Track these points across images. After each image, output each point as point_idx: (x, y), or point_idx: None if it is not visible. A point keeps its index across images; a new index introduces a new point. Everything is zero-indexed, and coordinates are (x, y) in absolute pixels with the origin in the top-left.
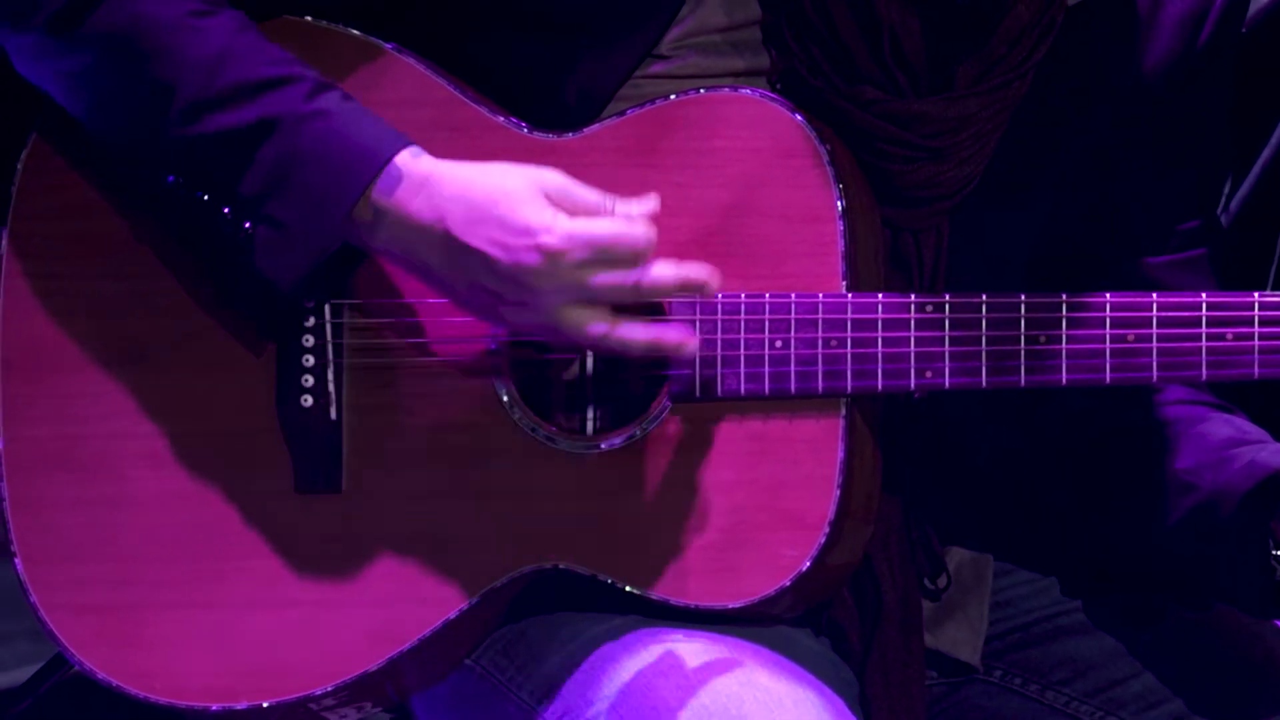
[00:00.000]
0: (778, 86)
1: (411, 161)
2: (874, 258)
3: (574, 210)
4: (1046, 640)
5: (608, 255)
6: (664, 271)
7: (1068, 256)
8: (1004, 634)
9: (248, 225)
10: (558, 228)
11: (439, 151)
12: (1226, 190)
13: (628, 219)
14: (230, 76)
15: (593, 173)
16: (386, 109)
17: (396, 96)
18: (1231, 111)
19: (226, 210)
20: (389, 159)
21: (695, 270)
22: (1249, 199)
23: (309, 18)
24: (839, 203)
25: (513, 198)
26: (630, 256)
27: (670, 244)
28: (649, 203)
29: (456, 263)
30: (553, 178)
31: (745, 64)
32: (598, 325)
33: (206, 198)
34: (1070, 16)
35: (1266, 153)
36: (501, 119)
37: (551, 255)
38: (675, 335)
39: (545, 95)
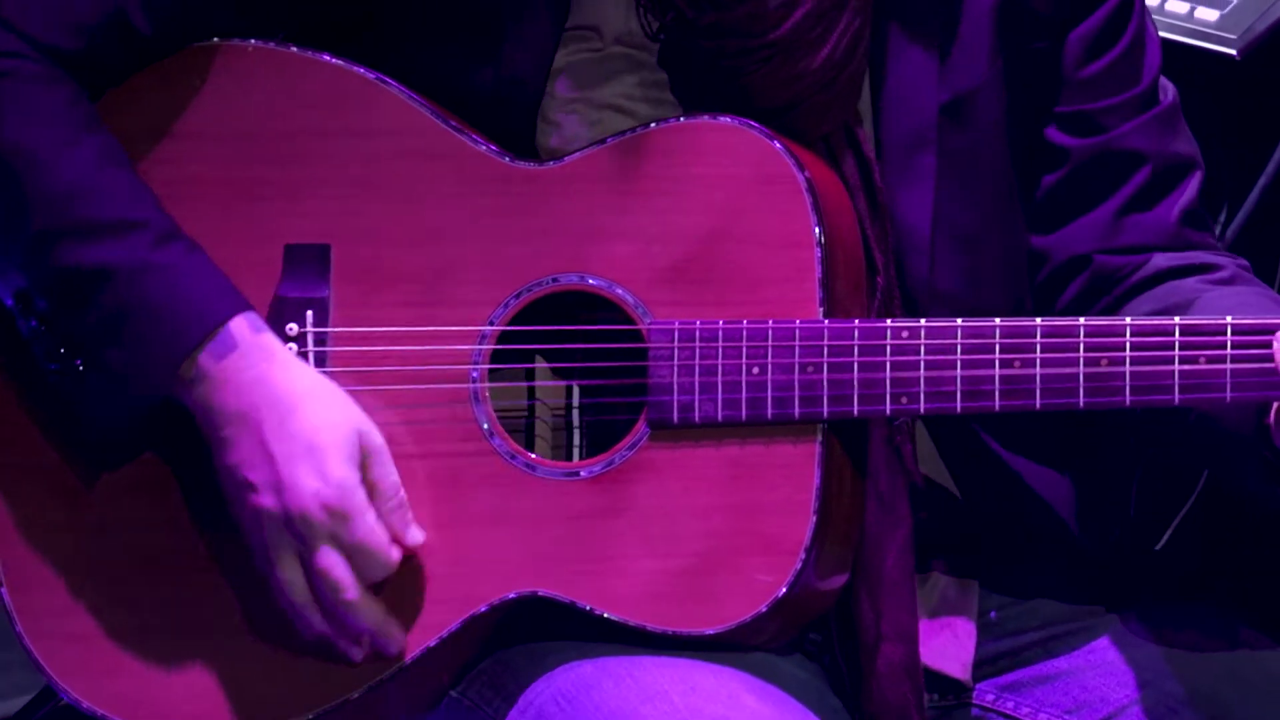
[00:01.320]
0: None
1: (249, 332)
2: (851, 284)
3: (373, 485)
4: (1037, 662)
5: (358, 551)
6: (373, 609)
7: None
8: (994, 657)
9: (79, 363)
10: (344, 490)
11: (425, 179)
12: (1222, 219)
13: (384, 548)
14: (80, 213)
15: (573, 201)
16: (369, 138)
17: (379, 125)
18: (1227, 138)
19: (61, 349)
20: (223, 321)
21: (393, 642)
22: (1245, 227)
23: (293, 46)
24: (816, 229)
25: (333, 439)
26: (366, 569)
27: (648, 270)
28: (416, 538)
29: (244, 454)
30: (375, 437)
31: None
32: (298, 592)
33: (44, 329)
34: None
35: (1263, 179)
36: (484, 148)
37: (325, 508)
38: (355, 653)
39: (472, 91)
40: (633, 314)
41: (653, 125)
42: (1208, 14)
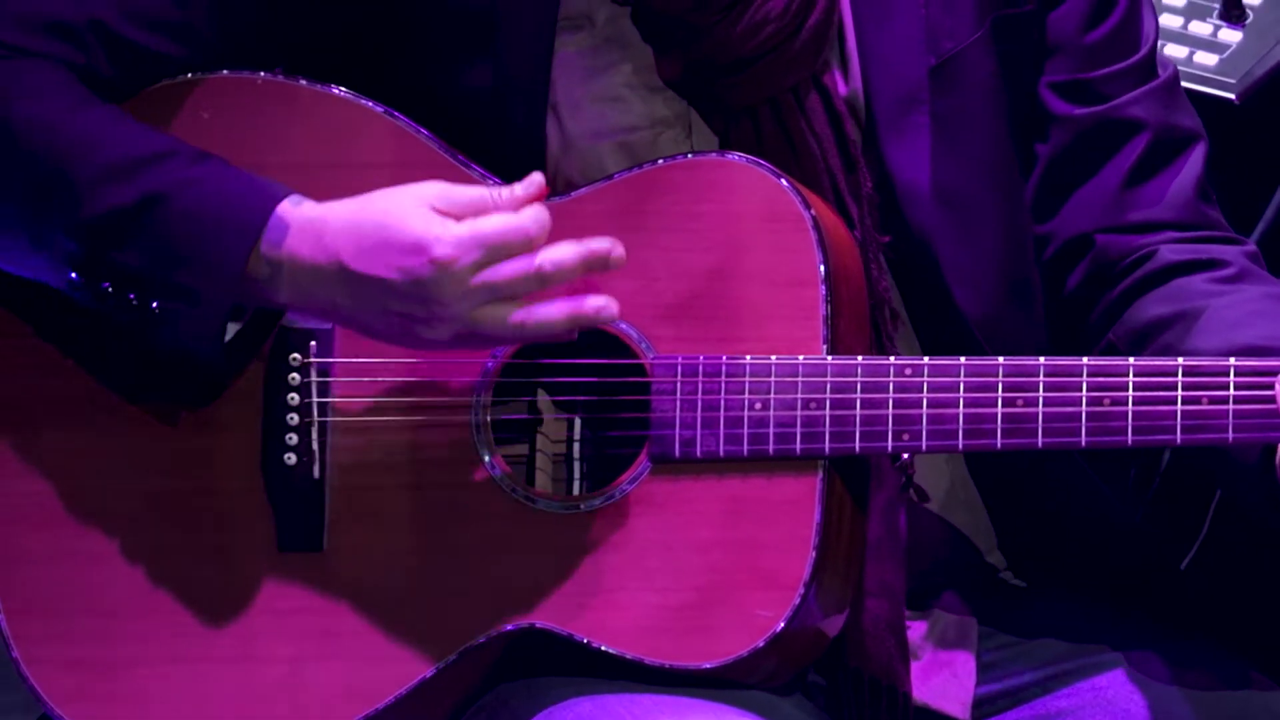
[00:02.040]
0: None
1: (294, 209)
2: (856, 322)
3: (460, 213)
4: (1038, 699)
5: (502, 250)
6: (564, 252)
7: None
8: (993, 697)
9: (155, 305)
10: (446, 235)
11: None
12: None
13: (513, 208)
14: (109, 155)
15: (578, 236)
16: (376, 171)
17: (389, 159)
18: (1226, 183)
19: (132, 296)
20: (270, 211)
21: (597, 244)
22: None
23: (303, 79)
24: (821, 267)
25: (398, 218)
26: (524, 244)
27: (652, 307)
28: (534, 182)
29: (360, 295)
30: (432, 187)
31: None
32: (514, 315)
33: (110, 288)
34: None
35: (1262, 224)
36: (491, 181)
37: (445, 264)
38: (592, 302)
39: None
40: (636, 348)
41: (660, 161)
42: (1207, 58)
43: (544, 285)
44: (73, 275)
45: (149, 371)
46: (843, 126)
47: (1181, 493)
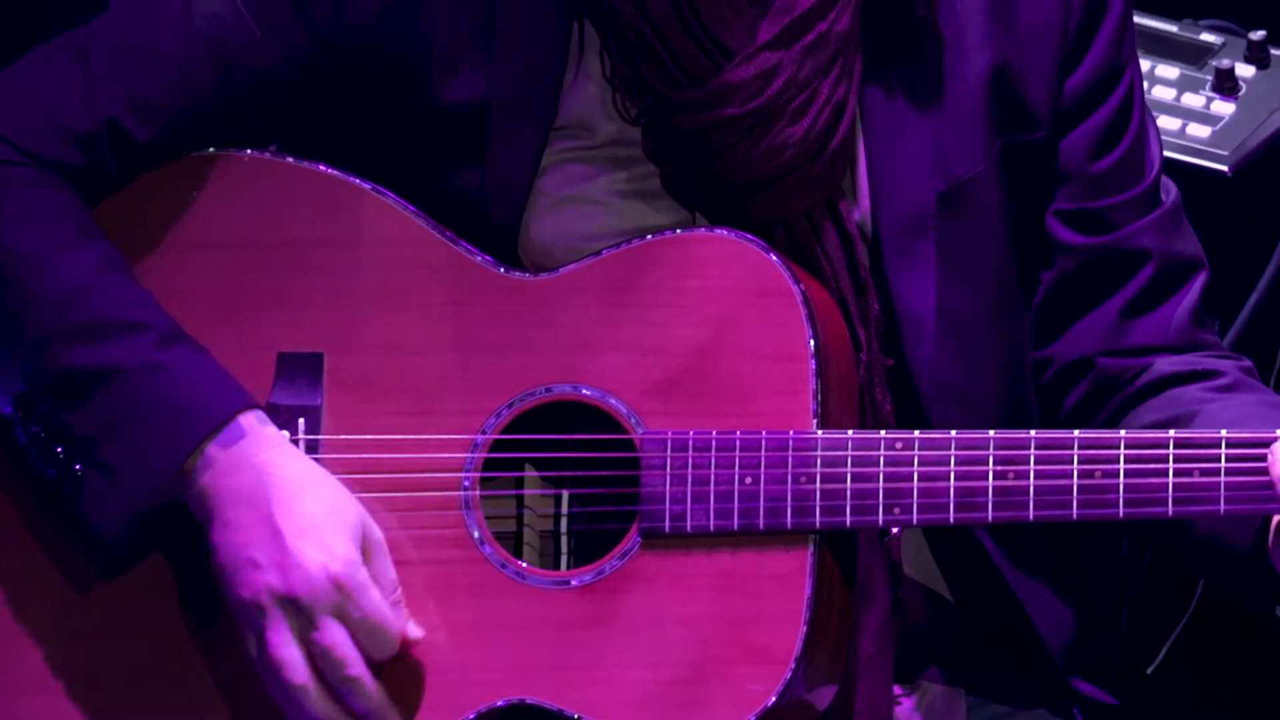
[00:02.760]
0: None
1: (257, 424)
2: (846, 397)
3: (374, 577)
4: None
5: (363, 626)
6: (375, 689)
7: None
8: None
9: (78, 467)
10: (351, 566)
11: (418, 289)
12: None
13: (400, 630)
14: (82, 315)
15: (567, 312)
16: (366, 248)
17: (373, 235)
18: (1220, 255)
19: (59, 450)
20: (233, 415)
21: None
22: (1237, 344)
23: (289, 157)
24: (811, 341)
25: (339, 520)
26: (371, 646)
27: (642, 382)
28: (415, 633)
29: (249, 533)
30: (376, 531)
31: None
32: (299, 673)
33: (41, 433)
34: None
35: (1254, 296)
36: (479, 258)
37: (333, 581)
38: None
39: (460, 190)
40: (625, 424)
41: (649, 237)
42: (1200, 130)
43: (333, 677)
44: (8, 409)
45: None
46: (854, 251)
47: (1153, 601)
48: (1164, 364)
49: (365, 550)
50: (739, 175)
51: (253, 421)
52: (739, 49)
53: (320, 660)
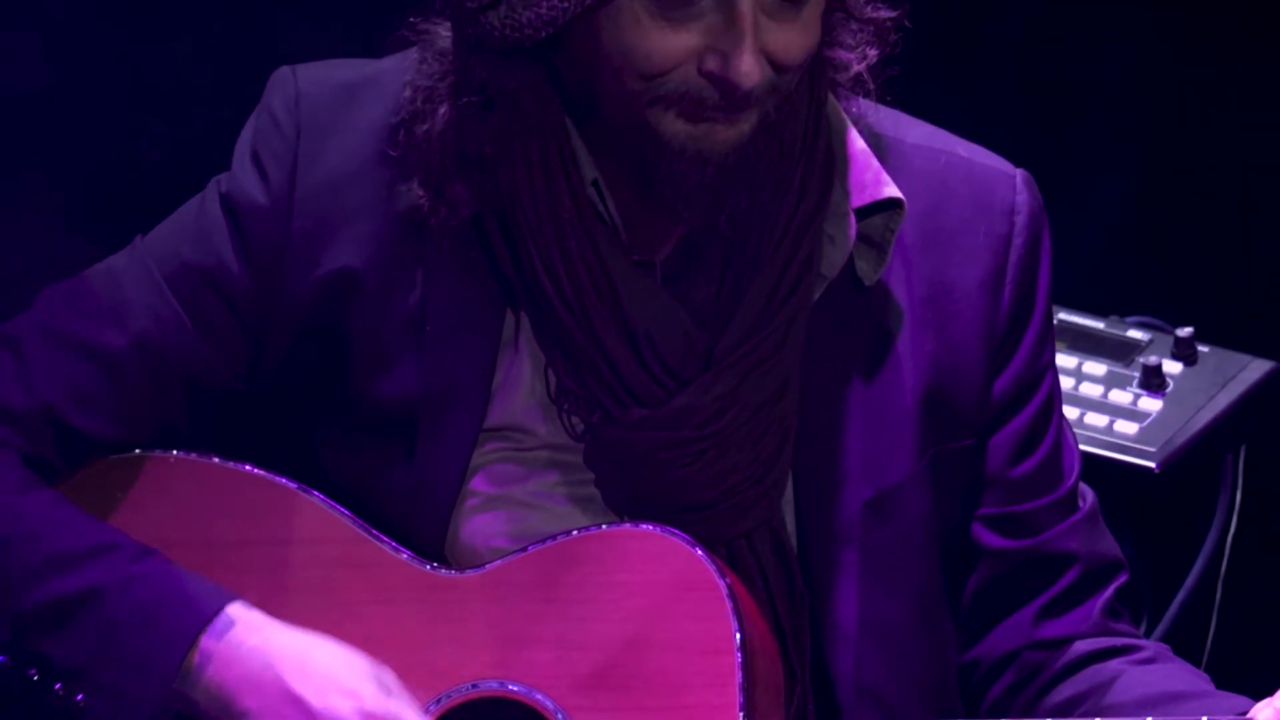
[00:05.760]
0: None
1: (243, 611)
2: (772, 689)
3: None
4: None
5: None
6: None
7: None
8: None
9: (80, 698)
10: (380, 701)
11: (345, 587)
12: (1142, 629)
13: None
14: (50, 548)
15: (493, 608)
16: (294, 547)
17: (300, 535)
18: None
19: (58, 686)
20: (220, 608)
21: None
22: (1165, 637)
23: (215, 457)
24: (738, 635)
25: (356, 670)
26: None
27: (569, 677)
28: None
29: (270, 710)
30: (389, 673)
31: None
32: None
33: (36, 676)
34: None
35: (1182, 594)
36: (405, 556)
37: (369, 718)
38: None
39: (387, 490)
40: None
41: (574, 533)
42: (1127, 427)
43: None
44: (1, 659)
45: None
46: (790, 566)
47: None
48: (1082, 644)
49: (386, 688)
50: (683, 496)
51: (239, 610)
52: (693, 376)
53: None
